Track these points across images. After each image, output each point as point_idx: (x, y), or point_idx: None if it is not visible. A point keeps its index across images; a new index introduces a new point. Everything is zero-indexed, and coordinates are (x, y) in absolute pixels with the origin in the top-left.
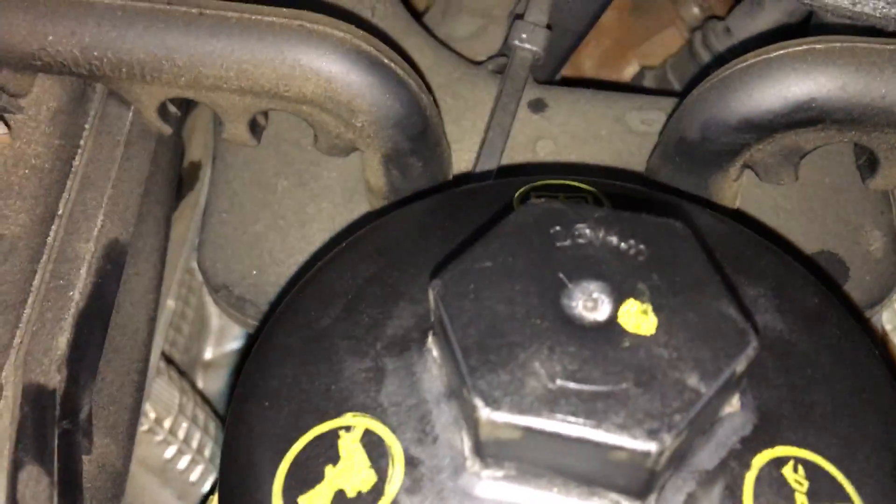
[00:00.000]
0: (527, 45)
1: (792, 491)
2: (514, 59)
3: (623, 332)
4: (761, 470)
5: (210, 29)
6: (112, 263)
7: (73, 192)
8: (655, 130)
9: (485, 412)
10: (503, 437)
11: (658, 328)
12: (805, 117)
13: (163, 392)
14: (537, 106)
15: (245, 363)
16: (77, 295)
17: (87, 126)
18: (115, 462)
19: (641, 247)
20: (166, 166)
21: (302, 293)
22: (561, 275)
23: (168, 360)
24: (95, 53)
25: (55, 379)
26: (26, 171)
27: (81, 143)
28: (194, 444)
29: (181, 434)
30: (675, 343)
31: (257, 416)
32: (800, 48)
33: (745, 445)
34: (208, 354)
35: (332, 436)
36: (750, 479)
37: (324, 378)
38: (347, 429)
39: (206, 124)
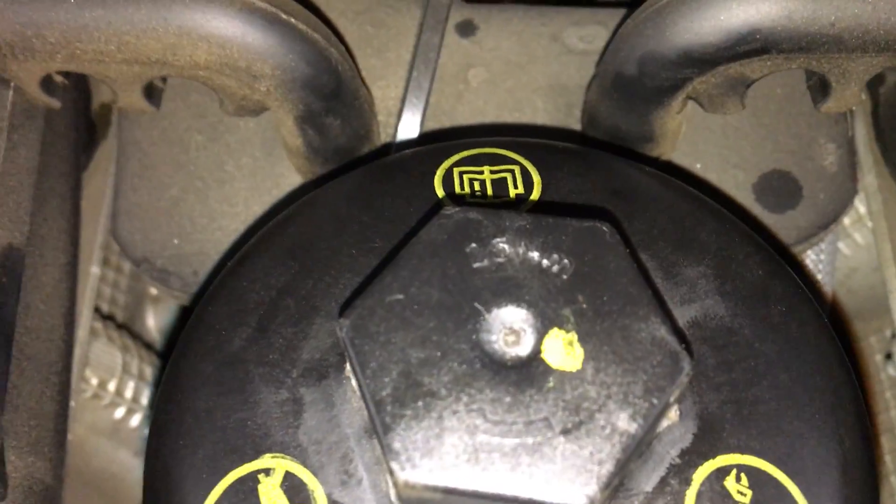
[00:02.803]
0: None
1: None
2: None
3: (547, 370)
4: (702, 485)
5: (80, 1)
6: (7, 274)
7: None
8: (595, 48)
9: (402, 475)
10: (425, 497)
11: (585, 361)
12: (749, 48)
13: (103, 355)
14: (466, 29)
15: (158, 390)
16: None
17: None
18: (44, 478)
19: (565, 262)
20: (66, 131)
21: (211, 305)
22: (478, 305)
23: (107, 317)
24: None
25: None
26: None
27: None
28: (144, 399)
29: (128, 393)
30: (602, 378)
31: (174, 457)
32: None
33: (685, 459)
34: (154, 289)
35: (252, 479)
36: (691, 496)
37: (239, 412)
38: (267, 472)
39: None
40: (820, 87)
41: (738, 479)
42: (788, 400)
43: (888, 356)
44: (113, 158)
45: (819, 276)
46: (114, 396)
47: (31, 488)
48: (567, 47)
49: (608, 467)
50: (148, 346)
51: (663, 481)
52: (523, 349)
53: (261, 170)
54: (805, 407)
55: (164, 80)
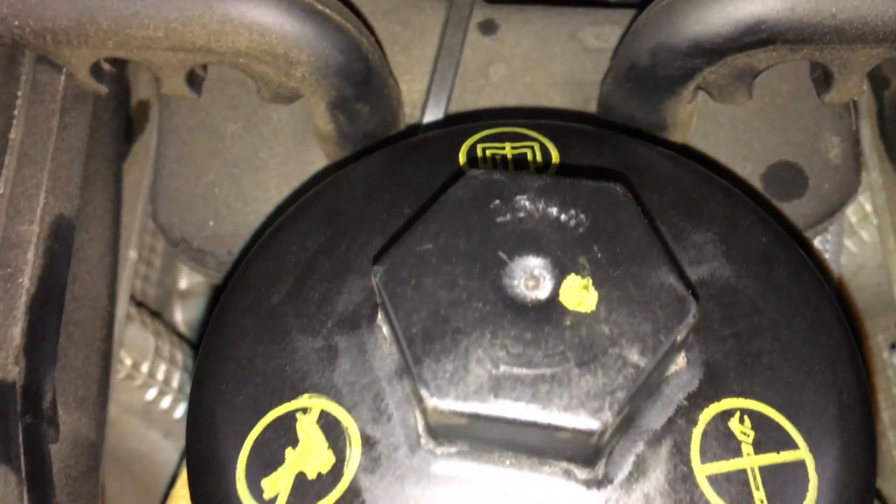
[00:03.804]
0: None
1: (739, 443)
2: None
3: (564, 311)
4: (708, 425)
5: None
6: (60, 241)
7: (12, 171)
8: (610, 46)
9: (431, 402)
10: (451, 422)
11: (599, 303)
12: (755, 39)
13: (137, 338)
14: (487, 28)
15: (201, 342)
16: (27, 281)
17: (19, 94)
18: (88, 434)
19: (581, 217)
20: (109, 119)
21: (251, 267)
22: (501, 253)
23: (140, 304)
24: (17, 23)
25: (13, 372)
26: None
27: (15, 113)
28: (174, 383)
29: (160, 375)
30: (615, 318)
31: (216, 400)
32: None
33: (692, 402)
34: (183, 284)
35: (290, 418)
36: (697, 435)
37: (278, 359)
38: (304, 410)
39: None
40: (823, 79)
41: (741, 421)
42: (789, 353)
43: (893, 346)
44: (150, 153)
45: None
46: (146, 378)
47: (76, 441)
48: (584, 45)
49: (619, 396)
50: (178, 334)
51: (671, 421)
52: (542, 293)
53: (292, 157)
54: (805, 360)
55: (204, 69)
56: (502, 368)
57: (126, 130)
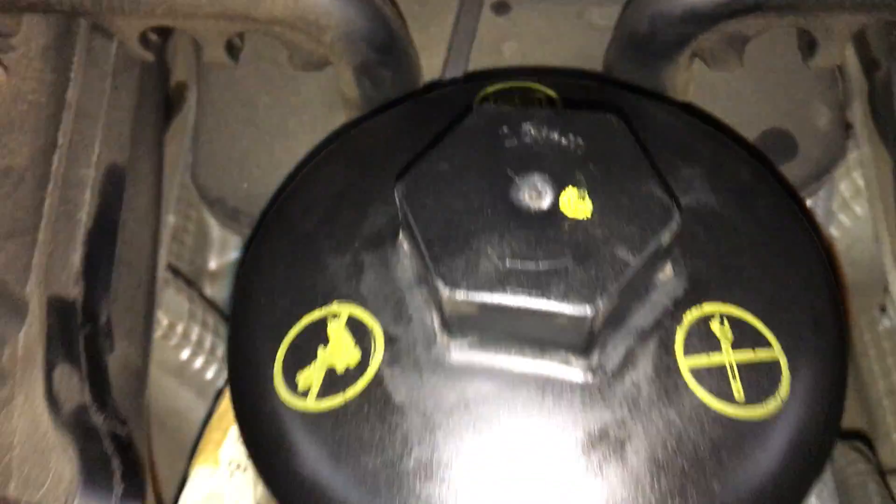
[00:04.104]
0: None
1: (718, 342)
2: None
3: (563, 217)
4: (691, 326)
5: None
6: (113, 185)
7: (70, 124)
8: (614, 24)
9: (446, 292)
10: (464, 311)
11: (593, 211)
12: (744, 5)
13: (172, 301)
14: (501, 8)
15: (242, 265)
16: (84, 216)
17: (75, 59)
18: (135, 361)
19: (580, 141)
20: (153, 91)
21: (287, 203)
22: (509, 171)
23: (175, 271)
24: None
25: (74, 291)
26: (25, 107)
27: (72, 76)
28: (207, 345)
29: (194, 337)
30: (607, 223)
31: (256, 310)
32: None
33: (677, 306)
34: (212, 265)
35: (322, 322)
36: (681, 333)
37: (311, 274)
38: (334, 316)
39: (187, 46)
40: (808, 46)
41: (721, 324)
42: (767, 269)
43: (882, 309)
44: (187, 129)
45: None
46: (181, 338)
47: (125, 365)
48: (590, 24)
49: (609, 287)
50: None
51: (658, 321)
52: (544, 203)
53: (319, 125)
54: (781, 276)
55: (241, 39)
56: (508, 264)
57: (165, 107)
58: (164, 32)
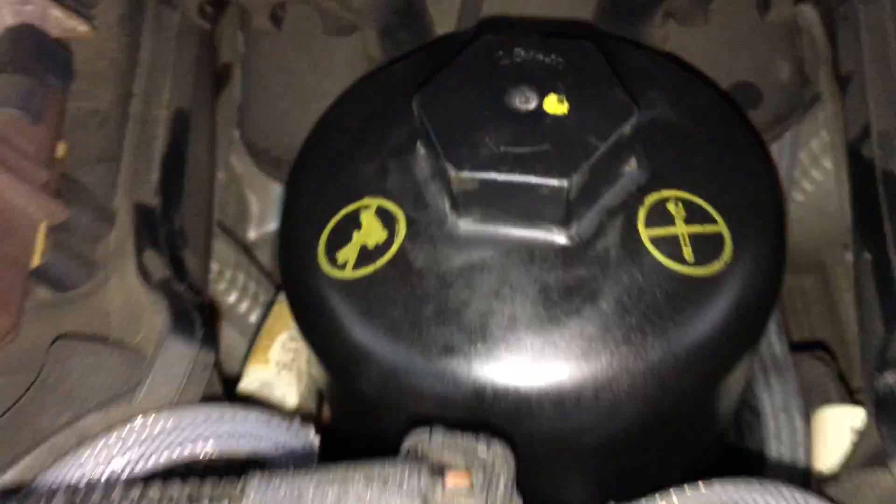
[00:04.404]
0: None
1: (672, 218)
2: None
3: (546, 115)
4: (651, 205)
5: None
6: (180, 124)
7: (144, 76)
8: None
9: (454, 172)
10: (468, 189)
11: (569, 111)
12: None
13: (221, 249)
14: None
15: (287, 181)
16: (160, 145)
17: (145, 26)
18: (197, 270)
19: (560, 60)
20: (206, 57)
21: (323, 127)
22: (503, 83)
23: (222, 226)
24: None
25: (154, 201)
26: (107, 62)
27: (143, 39)
28: (250, 292)
29: (240, 283)
30: (580, 119)
31: (303, 208)
32: None
33: (640, 191)
34: (252, 235)
35: (356, 213)
36: (642, 211)
37: (346, 178)
38: (366, 207)
39: (232, 32)
40: (763, 3)
41: (675, 205)
42: (716, 165)
43: (846, 245)
44: (232, 102)
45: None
46: (229, 283)
47: (192, 272)
48: None
49: (582, 165)
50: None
51: (624, 202)
52: (531, 106)
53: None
54: (728, 171)
55: (282, 9)
56: (502, 150)
57: (215, 79)
58: (218, 5)
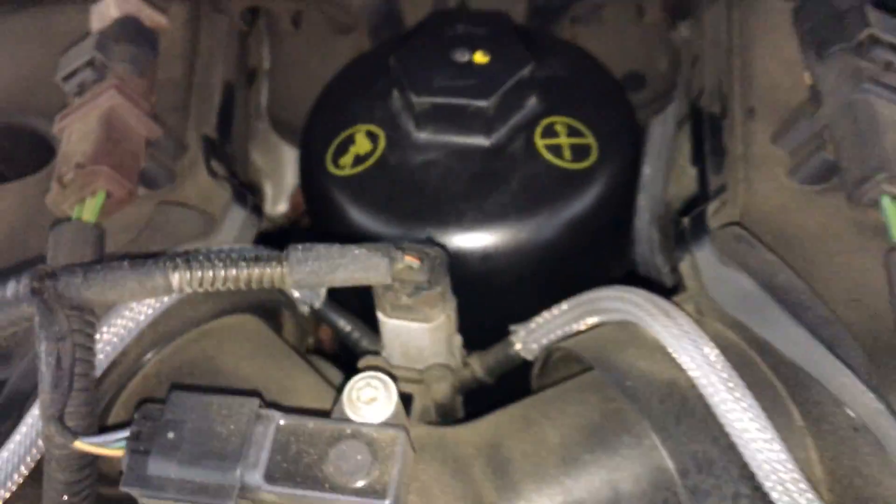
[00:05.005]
0: None
1: (558, 133)
2: None
3: (475, 64)
4: (544, 126)
5: None
6: (228, 90)
7: (203, 58)
8: None
9: (415, 98)
10: (424, 109)
11: (490, 61)
12: None
13: None
14: None
15: (306, 120)
16: (215, 102)
17: (202, 24)
18: (244, 179)
19: (486, 30)
20: (243, 53)
21: (328, 87)
22: (448, 44)
23: None
24: None
25: (214, 134)
26: (176, 50)
27: (201, 34)
28: None
29: None
30: (497, 65)
31: (316, 133)
32: None
33: (537, 117)
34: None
35: (352, 135)
36: (538, 129)
37: (345, 115)
38: (358, 131)
39: (259, 40)
40: (638, 9)
41: (561, 126)
42: (591, 104)
43: None
44: (261, 98)
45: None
46: None
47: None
48: None
49: (496, 90)
50: None
51: (527, 123)
52: (466, 58)
53: None
54: (599, 108)
55: (300, 13)
56: (447, 83)
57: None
58: (252, 12)
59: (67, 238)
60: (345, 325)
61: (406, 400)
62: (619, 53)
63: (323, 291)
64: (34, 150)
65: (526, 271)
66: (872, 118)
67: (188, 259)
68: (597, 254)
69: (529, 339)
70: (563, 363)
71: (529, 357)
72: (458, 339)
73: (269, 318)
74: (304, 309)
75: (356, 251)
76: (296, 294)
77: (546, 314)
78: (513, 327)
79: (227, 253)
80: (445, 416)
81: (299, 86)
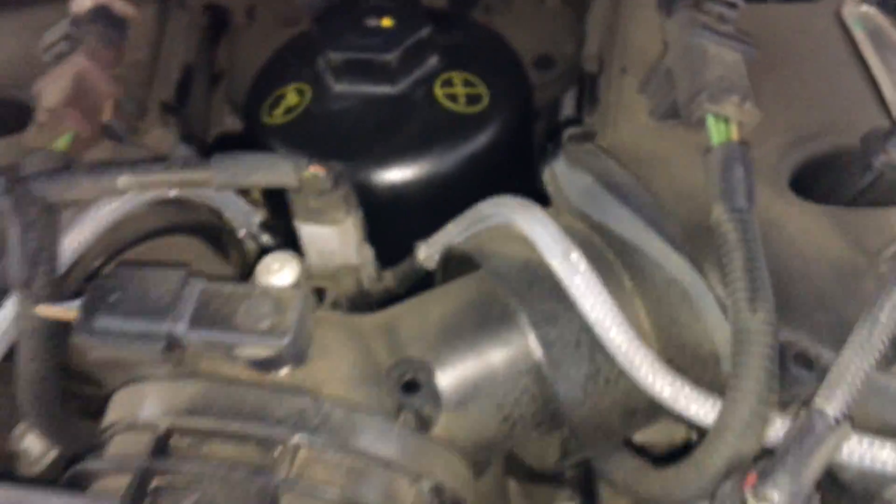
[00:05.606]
0: None
1: (455, 84)
2: None
3: (382, 27)
4: (443, 79)
5: None
6: (188, 70)
7: (167, 44)
8: None
9: (333, 54)
10: (340, 63)
11: (394, 25)
12: None
13: None
14: None
15: (250, 85)
16: (174, 78)
17: (168, 20)
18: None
19: (394, 4)
20: (205, 53)
21: (267, 64)
22: (363, 14)
23: None
24: None
25: (174, 99)
26: (143, 40)
27: (167, 25)
28: None
29: None
30: (401, 27)
31: (256, 93)
32: None
33: (437, 71)
34: None
35: (284, 93)
36: (438, 81)
37: (279, 77)
38: (290, 90)
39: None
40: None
41: (458, 79)
42: (485, 63)
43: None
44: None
45: None
46: None
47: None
48: None
49: (400, 48)
50: None
51: (428, 76)
52: (375, 23)
53: None
54: (492, 66)
55: (253, 8)
56: (358, 41)
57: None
58: (210, 8)
59: (39, 160)
60: (269, 241)
61: (320, 294)
62: (529, 38)
63: (256, 218)
64: (19, 116)
65: (429, 200)
66: (702, 56)
67: (132, 164)
68: (492, 184)
69: (431, 250)
70: (457, 268)
71: (432, 266)
72: (368, 251)
73: (213, 244)
74: (242, 232)
75: (271, 158)
76: (231, 218)
77: (443, 230)
78: (417, 243)
79: (165, 162)
80: (355, 311)
81: (252, 74)
